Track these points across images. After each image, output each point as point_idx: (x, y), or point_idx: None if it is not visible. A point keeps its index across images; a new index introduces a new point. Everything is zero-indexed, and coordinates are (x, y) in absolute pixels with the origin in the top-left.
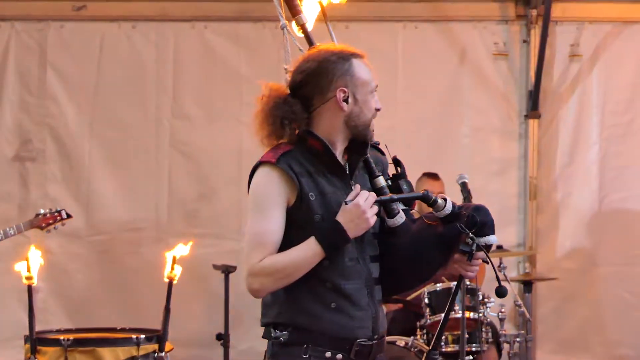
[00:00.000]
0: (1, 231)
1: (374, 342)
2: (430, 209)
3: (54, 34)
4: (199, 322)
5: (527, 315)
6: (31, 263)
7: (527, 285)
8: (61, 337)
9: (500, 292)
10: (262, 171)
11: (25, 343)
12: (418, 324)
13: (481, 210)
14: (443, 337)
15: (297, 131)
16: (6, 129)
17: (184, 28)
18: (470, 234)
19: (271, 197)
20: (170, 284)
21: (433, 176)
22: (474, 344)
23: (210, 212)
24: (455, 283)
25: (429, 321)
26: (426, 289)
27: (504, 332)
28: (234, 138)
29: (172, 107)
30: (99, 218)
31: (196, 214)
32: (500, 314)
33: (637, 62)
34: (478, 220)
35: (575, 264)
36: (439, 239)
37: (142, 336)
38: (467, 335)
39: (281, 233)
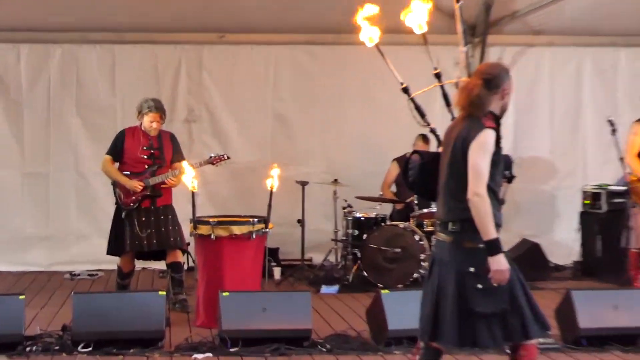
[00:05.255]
0: (194, 163)
1: None
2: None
3: (207, 52)
4: (285, 210)
5: None
6: (193, 179)
7: None
8: (210, 220)
9: None
10: (490, 132)
11: (190, 223)
12: (410, 215)
13: None
14: (424, 222)
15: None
16: (179, 105)
17: None
18: None
19: (492, 147)
20: (271, 192)
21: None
22: None
23: None
24: None
25: (417, 213)
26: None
27: None
28: None
29: None
30: (232, 154)
31: None
32: None
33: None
34: None
35: None
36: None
37: (255, 219)
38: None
39: None
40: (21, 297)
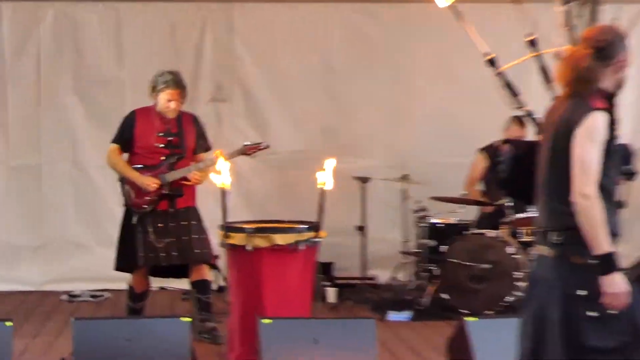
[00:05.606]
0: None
1: None
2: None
3: (238, 13)
4: (341, 215)
5: None
6: (224, 174)
7: None
8: (245, 226)
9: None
10: (601, 114)
11: (220, 230)
12: (502, 221)
13: None
14: (520, 230)
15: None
16: (204, 80)
17: None
18: None
19: (603, 134)
20: (322, 191)
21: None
22: None
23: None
24: None
25: (511, 219)
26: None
27: None
28: None
29: None
30: (273, 142)
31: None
32: None
33: None
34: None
35: None
36: None
37: (303, 226)
38: None
39: None
40: (8, 323)
